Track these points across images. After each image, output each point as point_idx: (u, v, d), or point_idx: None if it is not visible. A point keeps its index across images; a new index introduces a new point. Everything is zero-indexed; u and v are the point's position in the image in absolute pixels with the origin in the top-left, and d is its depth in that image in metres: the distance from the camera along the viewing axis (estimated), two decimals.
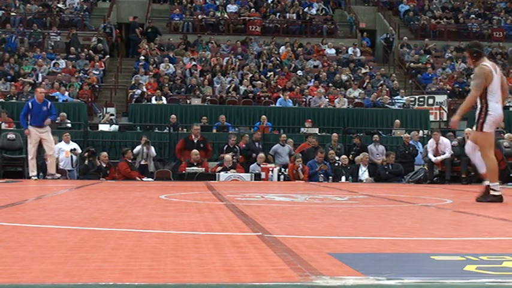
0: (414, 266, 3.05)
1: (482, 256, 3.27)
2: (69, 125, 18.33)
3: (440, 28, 29.81)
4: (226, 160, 16.05)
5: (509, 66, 26.79)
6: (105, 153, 16.06)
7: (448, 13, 30.95)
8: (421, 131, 19.07)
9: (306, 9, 30.06)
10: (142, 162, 16.37)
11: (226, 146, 16.95)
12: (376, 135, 17.70)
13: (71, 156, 16.01)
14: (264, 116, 19.17)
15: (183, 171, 15.86)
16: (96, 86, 23.05)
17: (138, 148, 16.41)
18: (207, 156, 16.78)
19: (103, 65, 24.56)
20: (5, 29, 26.70)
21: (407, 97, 22.42)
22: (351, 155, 17.04)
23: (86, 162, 15.56)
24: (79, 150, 16.10)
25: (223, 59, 24.91)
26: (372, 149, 17.25)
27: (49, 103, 14.28)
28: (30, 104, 14.02)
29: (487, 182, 7.80)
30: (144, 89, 21.52)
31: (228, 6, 29.79)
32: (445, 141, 15.40)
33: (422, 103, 21.89)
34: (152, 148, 16.63)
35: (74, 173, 16.00)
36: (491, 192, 7.69)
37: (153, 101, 20.75)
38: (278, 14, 29.85)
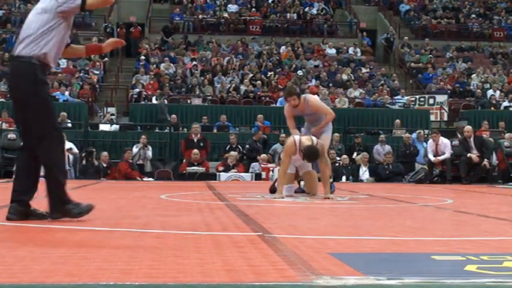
0: (414, 265, 3.05)
1: (483, 256, 3.27)
2: (69, 124, 18.33)
3: (441, 28, 29.81)
4: (231, 157, 16.10)
5: (510, 67, 26.77)
6: (105, 153, 16.06)
7: (449, 13, 30.94)
8: (421, 131, 19.07)
9: (306, 9, 30.06)
10: (139, 162, 16.41)
11: (229, 145, 17.07)
12: (382, 136, 17.73)
13: (68, 156, 16.00)
14: (260, 116, 19.15)
15: (184, 171, 15.89)
16: (97, 86, 23.05)
17: (135, 150, 16.44)
18: (206, 153, 16.93)
19: (102, 65, 24.54)
20: (5, 28, 26.69)
21: (408, 97, 22.42)
22: (355, 154, 17.08)
23: (84, 162, 15.58)
24: (75, 150, 16.10)
25: (223, 58, 24.91)
26: (378, 149, 17.28)
27: None
28: None
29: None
30: (142, 89, 21.51)
31: (229, 6, 29.80)
32: (444, 141, 15.39)
33: (423, 103, 21.89)
34: (149, 150, 16.68)
35: (71, 173, 15.99)
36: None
37: (154, 101, 20.76)
38: (278, 14, 29.86)
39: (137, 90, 21.41)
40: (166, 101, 20.36)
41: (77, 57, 24.42)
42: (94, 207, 4.99)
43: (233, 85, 22.44)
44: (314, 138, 8.42)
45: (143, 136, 16.82)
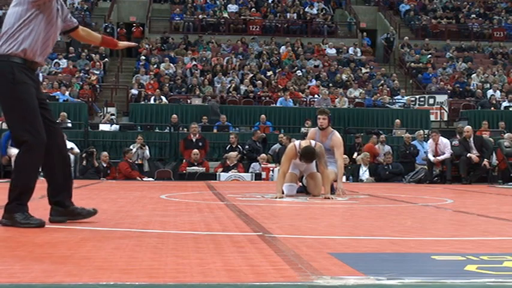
0: (415, 265, 3.05)
1: (483, 256, 3.27)
2: (69, 124, 18.33)
3: (441, 28, 29.81)
4: (230, 157, 16.08)
5: (510, 67, 26.78)
6: (105, 153, 16.07)
7: (449, 13, 30.96)
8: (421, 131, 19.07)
9: (306, 9, 30.08)
10: (137, 162, 16.42)
11: (229, 145, 17.04)
12: (382, 136, 17.73)
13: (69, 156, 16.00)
14: (263, 116, 19.19)
15: (184, 171, 15.88)
16: (97, 85, 23.05)
17: (133, 150, 16.44)
18: (205, 153, 16.92)
19: (102, 65, 24.54)
20: None
21: (408, 97, 22.43)
22: (355, 154, 17.08)
23: (84, 163, 15.57)
24: (76, 150, 16.10)
25: (223, 58, 24.92)
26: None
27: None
28: None
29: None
30: (140, 89, 21.52)
31: (229, 6, 29.81)
32: (444, 141, 15.39)
33: (422, 103, 21.89)
34: (147, 150, 16.68)
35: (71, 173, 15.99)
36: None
37: (152, 101, 20.77)
38: (278, 14, 29.87)
39: (134, 91, 21.42)
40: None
41: (77, 57, 24.48)
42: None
43: (233, 85, 22.45)
44: (313, 141, 8.53)
45: (139, 137, 16.82)
